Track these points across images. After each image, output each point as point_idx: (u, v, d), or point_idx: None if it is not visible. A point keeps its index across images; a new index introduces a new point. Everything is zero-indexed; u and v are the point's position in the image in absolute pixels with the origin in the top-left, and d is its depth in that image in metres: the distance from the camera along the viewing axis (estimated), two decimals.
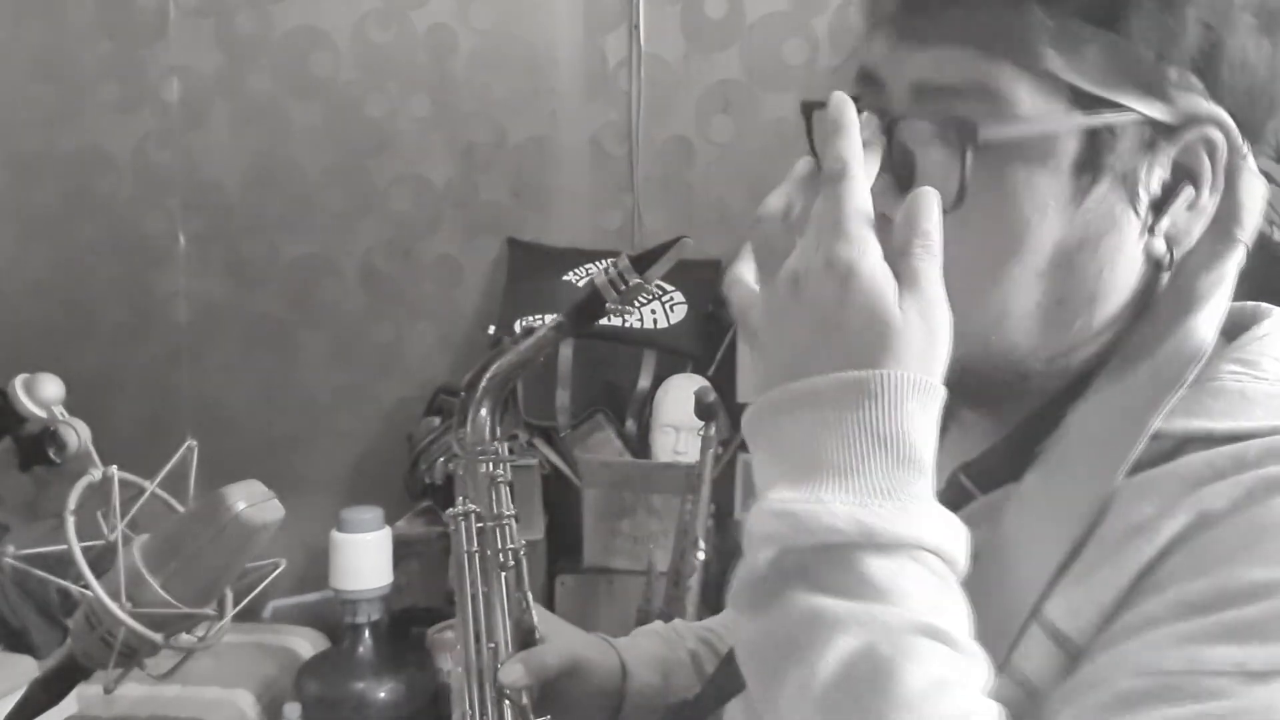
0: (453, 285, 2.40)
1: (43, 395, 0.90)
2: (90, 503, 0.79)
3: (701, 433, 1.76)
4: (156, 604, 0.74)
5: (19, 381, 0.89)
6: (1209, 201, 0.58)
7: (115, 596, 0.74)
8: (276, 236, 2.43)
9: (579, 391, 2.15)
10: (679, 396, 2.03)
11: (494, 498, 0.81)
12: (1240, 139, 0.57)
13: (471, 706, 0.77)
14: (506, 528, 0.81)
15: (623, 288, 0.76)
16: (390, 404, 2.42)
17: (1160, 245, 0.59)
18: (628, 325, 2.15)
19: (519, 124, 2.35)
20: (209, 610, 0.77)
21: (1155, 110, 0.55)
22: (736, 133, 2.30)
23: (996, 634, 0.54)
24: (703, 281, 2.25)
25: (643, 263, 0.76)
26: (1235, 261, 0.58)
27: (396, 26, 2.35)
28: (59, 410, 0.90)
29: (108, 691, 0.75)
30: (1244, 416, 0.56)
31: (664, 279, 2.39)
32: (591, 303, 0.77)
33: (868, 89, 0.59)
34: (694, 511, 1.73)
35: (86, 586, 0.74)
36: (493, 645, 0.78)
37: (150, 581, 0.74)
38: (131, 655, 0.76)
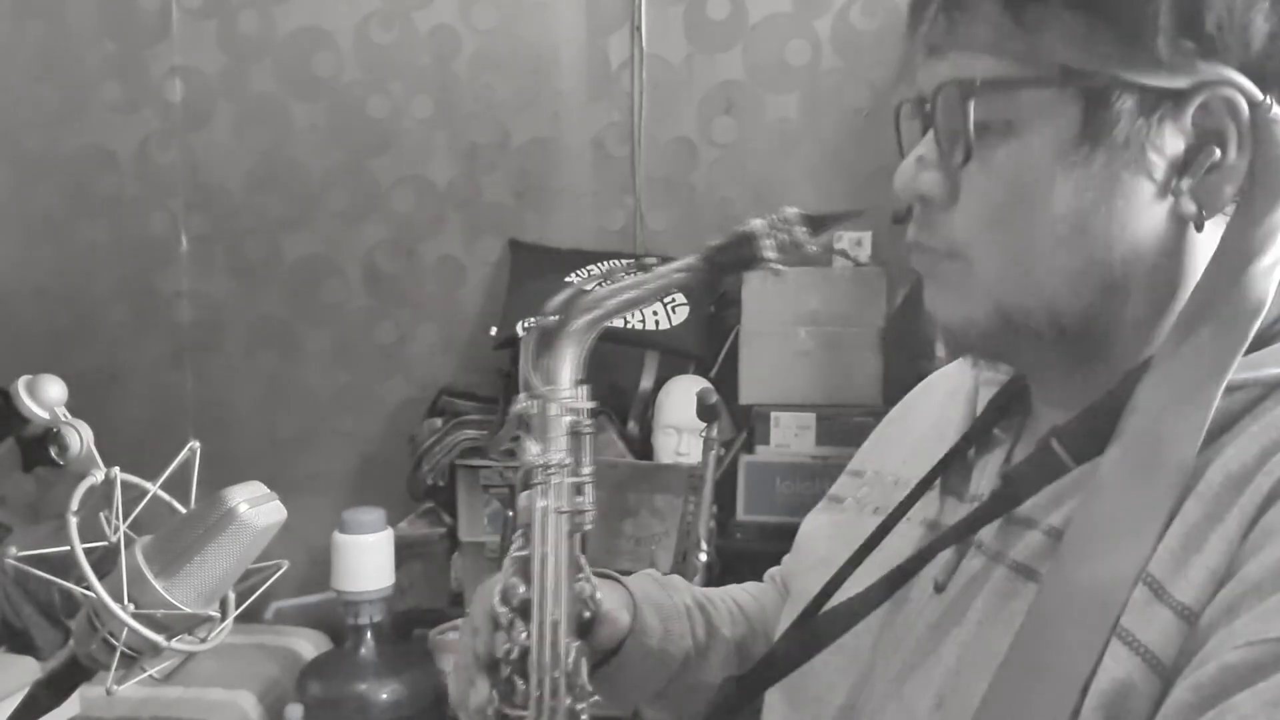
0: (455, 286, 2.40)
1: (45, 396, 0.89)
2: (92, 504, 0.79)
3: (704, 434, 1.75)
4: (159, 605, 0.74)
5: (21, 382, 0.89)
6: (1238, 160, 0.58)
7: (117, 598, 0.74)
8: (279, 237, 2.43)
9: None
10: (681, 398, 2.03)
11: (575, 449, 0.71)
12: (1260, 94, 0.57)
13: (539, 689, 0.70)
14: (586, 485, 0.72)
15: (785, 239, 0.67)
16: (393, 405, 2.42)
17: (1188, 205, 0.59)
18: (629, 326, 2.15)
19: (521, 125, 2.35)
20: (211, 612, 0.77)
21: (1146, 78, 0.57)
22: (739, 134, 2.30)
23: (1099, 603, 0.54)
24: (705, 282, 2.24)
25: (814, 220, 0.68)
26: None
27: (399, 27, 2.35)
28: (61, 411, 0.89)
29: (110, 693, 0.75)
30: None
31: None
32: (740, 246, 0.68)
33: (916, 100, 0.66)
34: (696, 513, 1.73)
35: (89, 588, 0.74)
36: (556, 620, 0.71)
37: (152, 583, 0.74)
38: (134, 657, 0.76)
